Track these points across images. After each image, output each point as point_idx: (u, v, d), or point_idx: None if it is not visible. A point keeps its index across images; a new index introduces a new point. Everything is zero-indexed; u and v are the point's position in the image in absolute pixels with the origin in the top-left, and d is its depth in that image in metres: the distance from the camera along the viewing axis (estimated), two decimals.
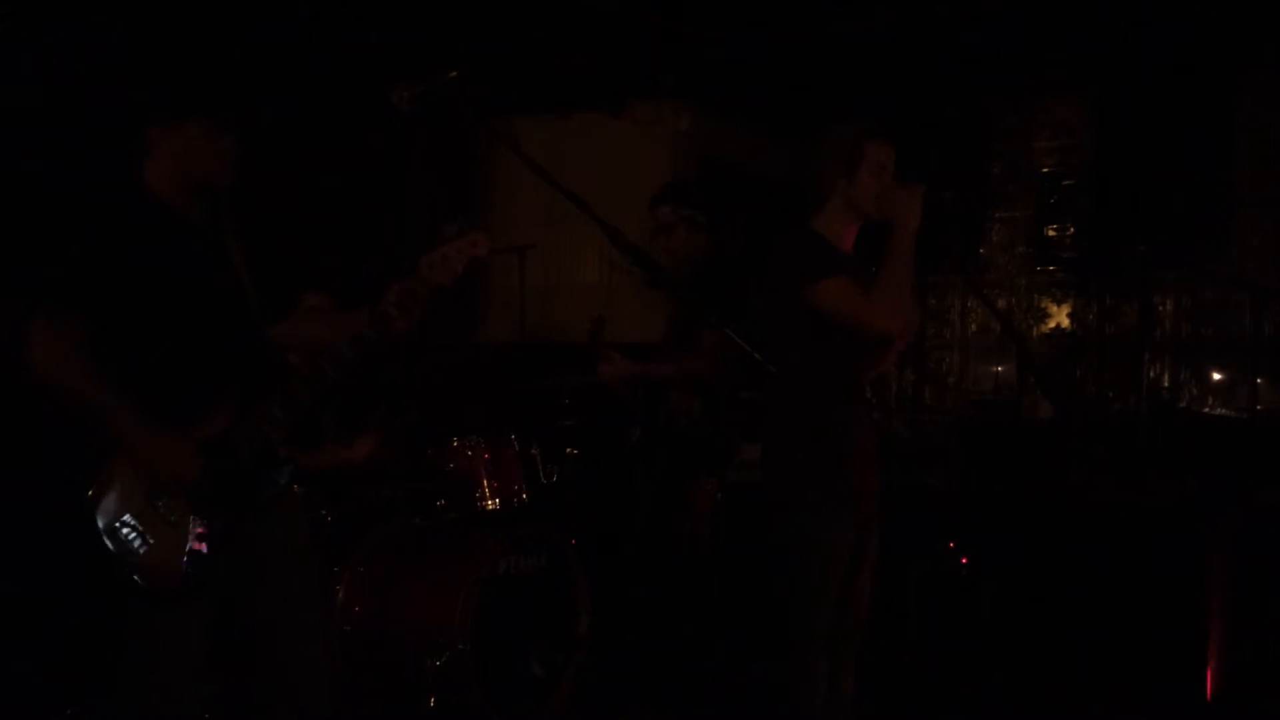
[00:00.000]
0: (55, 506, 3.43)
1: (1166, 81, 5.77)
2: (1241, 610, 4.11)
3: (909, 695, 4.27)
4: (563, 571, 4.17)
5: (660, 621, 4.12)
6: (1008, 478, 5.03)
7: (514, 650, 3.96)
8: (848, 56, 5.68)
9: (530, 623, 4.02)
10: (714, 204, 4.21)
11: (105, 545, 2.47)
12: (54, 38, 4.25)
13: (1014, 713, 4.11)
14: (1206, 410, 5.76)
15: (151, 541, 2.49)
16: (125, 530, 2.48)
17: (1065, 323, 6.31)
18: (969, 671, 4.38)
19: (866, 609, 3.11)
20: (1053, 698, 4.15)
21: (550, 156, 3.04)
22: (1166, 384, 5.94)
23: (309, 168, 5.16)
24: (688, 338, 4.02)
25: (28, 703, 3.74)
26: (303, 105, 5.06)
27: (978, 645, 4.48)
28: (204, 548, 2.53)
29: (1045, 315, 6.37)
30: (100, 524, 2.48)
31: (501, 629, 3.89)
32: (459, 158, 6.32)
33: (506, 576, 3.98)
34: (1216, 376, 5.81)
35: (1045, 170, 6.34)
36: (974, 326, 6.58)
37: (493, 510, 4.23)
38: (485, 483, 4.26)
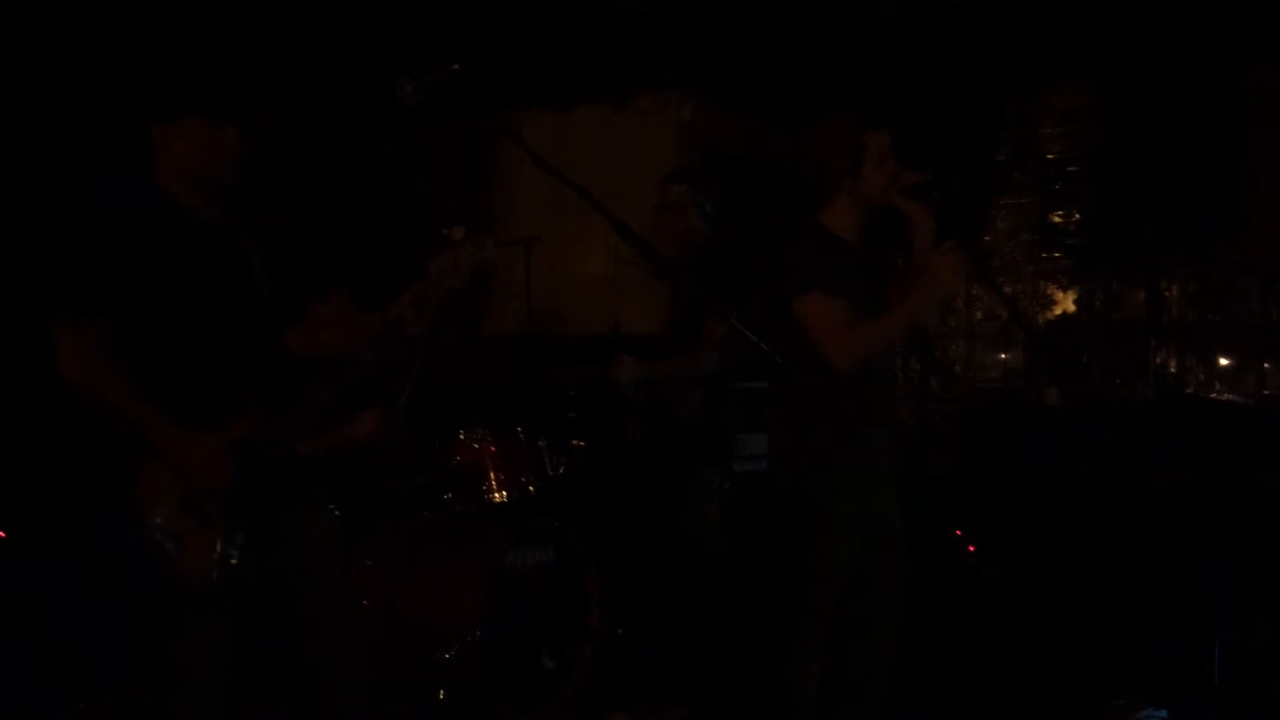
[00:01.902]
0: (82, 510, 3.45)
1: (1171, 66, 5.75)
2: (1250, 595, 4.11)
3: (915, 681, 4.28)
4: (571, 564, 4.17)
5: (669, 613, 4.13)
6: (1015, 465, 5.03)
7: (524, 643, 3.97)
8: (852, 45, 5.66)
9: (539, 615, 4.03)
10: (720, 197, 4.23)
11: (138, 549, 2.48)
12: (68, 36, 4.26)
13: (1020, 699, 4.11)
14: (1214, 395, 5.74)
15: (184, 544, 2.50)
16: (158, 534, 2.48)
17: (1071, 309, 6.30)
18: (975, 658, 4.38)
19: (899, 602, 3.08)
20: (1059, 683, 4.15)
21: (554, 149, 3.03)
22: (1173, 370, 5.93)
23: (310, 164, 5.16)
24: (691, 329, 4.01)
25: (30, 702, 3.75)
26: (304, 100, 5.06)
27: (984, 632, 4.48)
28: (235, 549, 2.54)
29: (1051, 302, 6.36)
30: (132, 528, 2.48)
31: (511, 622, 3.90)
32: (463, 151, 6.32)
33: (515, 569, 3.99)
34: (1223, 362, 5.80)
35: (1050, 157, 6.32)
36: (980, 314, 6.57)
37: (500, 503, 4.24)
38: (492, 475, 4.26)
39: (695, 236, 4.13)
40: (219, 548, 2.52)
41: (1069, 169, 6.27)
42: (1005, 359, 6.50)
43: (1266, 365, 5.32)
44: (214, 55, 4.47)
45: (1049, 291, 6.37)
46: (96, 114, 4.14)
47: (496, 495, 4.25)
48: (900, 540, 3.09)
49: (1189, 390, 5.83)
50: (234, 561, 2.53)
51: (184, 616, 2.54)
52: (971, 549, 4.62)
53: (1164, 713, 3.94)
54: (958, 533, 4.67)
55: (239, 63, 4.54)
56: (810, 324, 2.89)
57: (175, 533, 2.49)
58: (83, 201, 2.61)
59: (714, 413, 4.03)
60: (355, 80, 4.98)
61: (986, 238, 6.49)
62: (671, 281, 4.12)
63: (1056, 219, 6.33)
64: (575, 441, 4.45)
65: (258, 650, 2.89)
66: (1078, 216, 6.26)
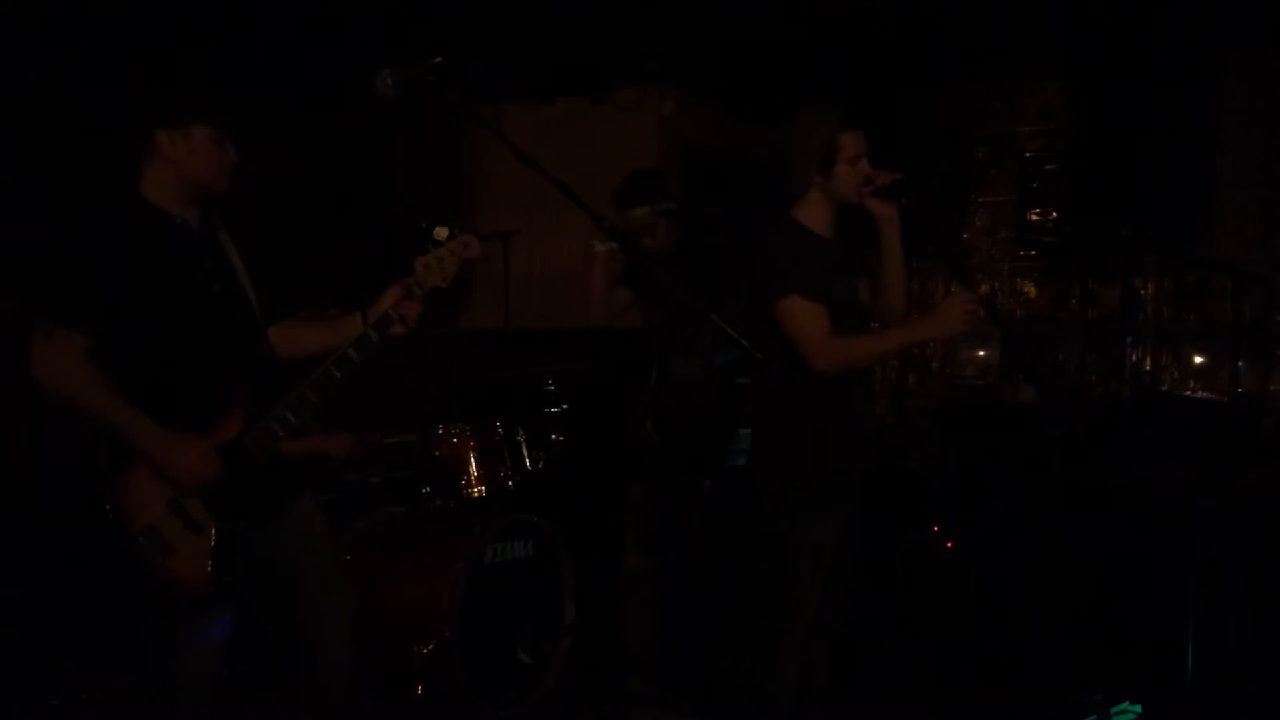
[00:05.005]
0: (68, 518, 3.42)
1: (1149, 65, 5.78)
2: (1221, 590, 4.14)
3: (894, 678, 4.30)
4: (549, 558, 4.17)
5: (648, 607, 4.13)
6: (991, 462, 5.05)
7: (501, 638, 3.96)
8: (833, 41, 5.66)
9: (517, 610, 4.03)
10: (672, 187, 4.12)
11: (126, 557, 2.45)
12: (52, 39, 4.21)
13: (997, 694, 4.14)
14: (1188, 393, 5.79)
15: (173, 550, 2.47)
16: (146, 540, 2.46)
17: (1047, 307, 6.34)
18: (953, 654, 4.41)
19: (849, 598, 3.11)
20: (1035, 678, 4.18)
21: (533, 143, 3.03)
22: (1148, 367, 5.97)
23: (290, 161, 5.12)
24: (678, 329, 3.94)
25: (12, 693, 3.72)
26: (285, 96, 5.02)
27: (961, 628, 4.50)
28: (226, 553, 2.52)
29: (1028, 299, 6.40)
30: (120, 535, 2.45)
31: (488, 616, 3.90)
32: (443, 144, 6.29)
33: (493, 564, 3.98)
34: (1198, 360, 5.84)
35: (1028, 155, 6.35)
36: None
37: (479, 497, 4.23)
38: (471, 470, 4.25)
39: (672, 242, 4.07)
40: (210, 552, 2.50)
41: (1047, 167, 6.31)
42: (982, 356, 6.53)
43: (1240, 363, 5.36)
44: (215, 62, 4.42)
45: (1025, 289, 6.41)
46: (77, 122, 4.10)
47: (475, 490, 4.23)
48: (855, 536, 3.11)
49: (1163, 388, 5.87)
50: (225, 565, 2.51)
51: (175, 622, 2.52)
52: (949, 545, 4.64)
53: (1139, 708, 3.97)
54: (934, 529, 4.69)
55: (239, 70, 4.48)
56: (791, 327, 2.90)
57: (164, 539, 2.46)
58: (62, 208, 2.59)
59: (724, 407, 3.98)
60: (337, 73, 4.93)
61: (964, 235, 6.52)
62: (639, 282, 4.06)
63: (1034, 217, 6.36)
64: (554, 436, 4.44)
65: (249, 649, 2.88)
66: (1055, 215, 6.30)
